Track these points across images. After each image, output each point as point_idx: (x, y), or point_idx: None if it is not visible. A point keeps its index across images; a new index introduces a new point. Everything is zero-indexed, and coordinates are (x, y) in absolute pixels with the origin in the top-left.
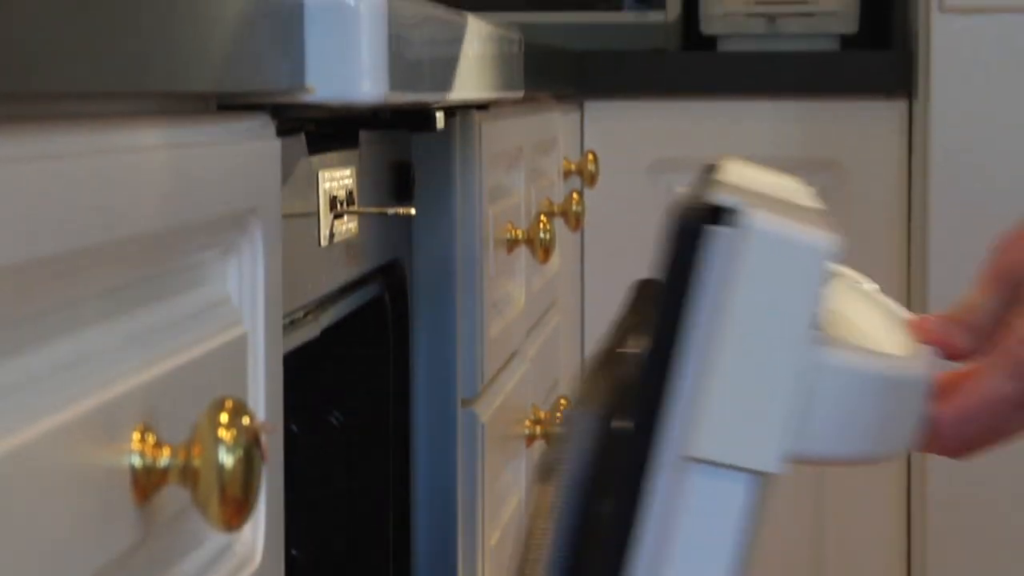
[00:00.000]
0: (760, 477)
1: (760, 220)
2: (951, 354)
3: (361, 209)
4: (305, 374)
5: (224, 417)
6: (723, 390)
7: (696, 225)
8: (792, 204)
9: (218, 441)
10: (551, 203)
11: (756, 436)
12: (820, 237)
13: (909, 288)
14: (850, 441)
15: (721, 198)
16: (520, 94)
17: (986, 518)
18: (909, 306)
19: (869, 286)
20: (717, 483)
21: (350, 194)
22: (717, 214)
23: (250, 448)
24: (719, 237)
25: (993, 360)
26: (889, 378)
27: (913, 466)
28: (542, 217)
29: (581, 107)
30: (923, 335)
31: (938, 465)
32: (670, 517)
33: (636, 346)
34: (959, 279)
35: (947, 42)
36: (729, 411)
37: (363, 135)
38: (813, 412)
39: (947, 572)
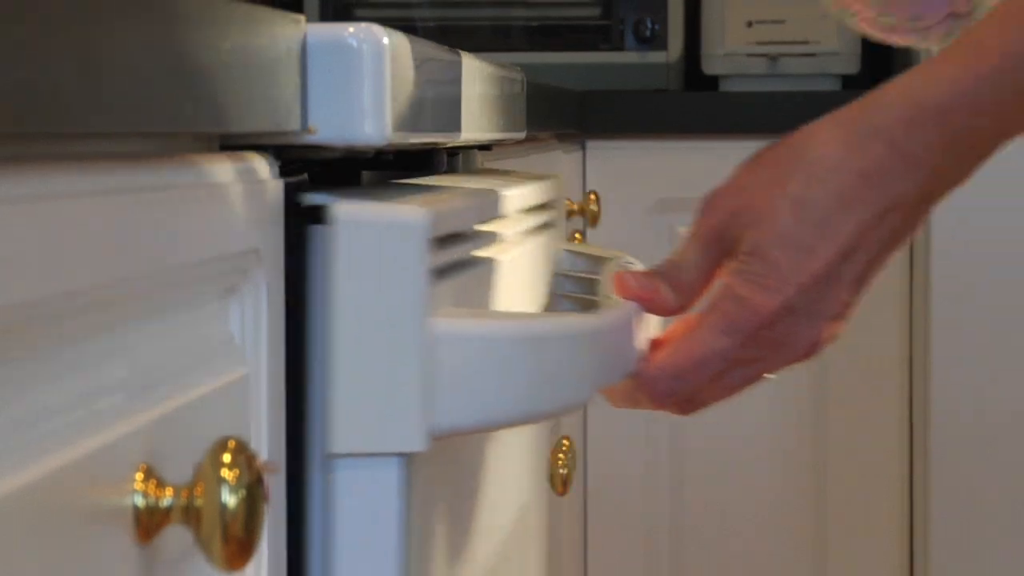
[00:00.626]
0: (407, 458)
1: (344, 211)
2: (656, 309)
3: None
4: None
5: (227, 457)
6: (349, 382)
7: (294, 229)
8: (423, 196)
9: (221, 481)
10: None
11: (391, 420)
12: (409, 215)
13: (911, 315)
14: (500, 405)
15: (313, 198)
16: (522, 135)
17: (988, 516)
18: (911, 330)
19: (638, 266)
20: (366, 474)
21: None
22: (312, 214)
23: (253, 488)
24: (314, 235)
25: (705, 317)
26: (526, 338)
27: (915, 464)
28: None
29: (583, 147)
30: (624, 291)
31: (940, 462)
32: (332, 519)
33: None
34: (962, 309)
35: None
36: (359, 401)
37: (365, 176)
38: (449, 384)
39: (948, 571)
